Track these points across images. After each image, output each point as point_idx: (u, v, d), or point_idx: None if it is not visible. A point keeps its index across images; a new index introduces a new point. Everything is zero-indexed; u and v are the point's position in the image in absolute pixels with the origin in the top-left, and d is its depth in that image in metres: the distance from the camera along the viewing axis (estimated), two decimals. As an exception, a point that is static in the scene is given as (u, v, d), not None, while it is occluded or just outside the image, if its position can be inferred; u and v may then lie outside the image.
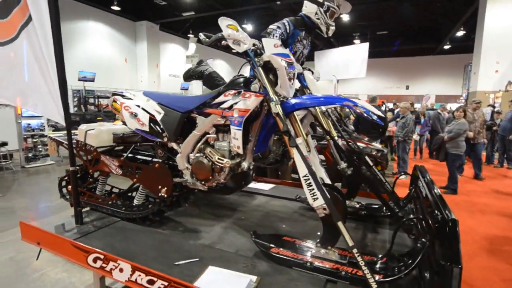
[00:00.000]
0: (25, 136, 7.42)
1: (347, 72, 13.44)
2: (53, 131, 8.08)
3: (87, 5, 12.94)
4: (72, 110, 11.39)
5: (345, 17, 14.27)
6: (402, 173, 2.46)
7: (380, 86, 23.07)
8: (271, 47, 1.56)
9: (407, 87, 22.97)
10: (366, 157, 2.39)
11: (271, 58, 1.54)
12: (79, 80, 11.61)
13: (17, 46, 2.06)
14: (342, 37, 18.57)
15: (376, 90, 21.67)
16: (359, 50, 13.04)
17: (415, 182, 2.15)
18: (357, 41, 17.73)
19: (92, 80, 12.17)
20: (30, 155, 7.58)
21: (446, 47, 19.36)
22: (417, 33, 18.91)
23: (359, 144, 4.31)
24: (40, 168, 7.50)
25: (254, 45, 1.59)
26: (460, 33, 15.87)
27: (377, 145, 4.43)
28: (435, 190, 1.59)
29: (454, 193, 5.59)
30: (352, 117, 6.48)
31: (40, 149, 7.76)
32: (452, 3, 13.19)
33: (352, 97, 1.65)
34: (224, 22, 1.50)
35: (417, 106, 16.32)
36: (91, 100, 12.72)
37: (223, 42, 1.51)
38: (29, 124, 7.56)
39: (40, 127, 7.79)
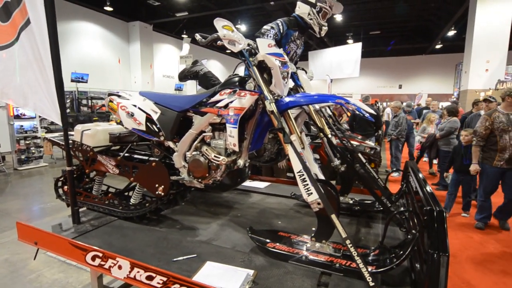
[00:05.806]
0: (17, 138, 7.34)
1: (340, 71, 13.57)
2: (45, 132, 8.02)
3: (78, 5, 12.83)
4: (65, 111, 11.30)
5: (338, 17, 14.41)
6: (395, 170, 2.52)
7: (373, 86, 23.31)
8: (265, 47, 1.59)
9: (400, 86, 23.24)
10: (359, 155, 2.45)
11: (265, 58, 1.58)
12: (72, 81, 11.51)
13: (18, 48, 2.09)
14: (336, 37, 18.75)
15: (370, 90, 21.90)
16: (352, 50, 13.17)
17: (407, 178, 2.21)
18: (350, 41, 17.89)
19: (85, 81, 12.09)
20: (23, 157, 7.49)
21: (438, 46, 19.63)
22: (409, 33, 19.18)
23: (352, 142, 4.41)
24: (33, 170, 7.42)
25: (248, 45, 1.62)
26: (451, 33, 16.11)
27: (370, 143, 4.50)
28: (425, 185, 1.64)
29: (445, 189, 5.68)
30: (345, 117, 6.56)
31: (33, 151, 7.67)
32: (445, 3, 13.38)
33: (346, 96, 1.71)
34: (220, 23, 1.53)
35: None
36: (84, 102, 12.62)
37: (219, 43, 1.54)
38: (21, 125, 7.48)
39: (32, 128, 7.71)
